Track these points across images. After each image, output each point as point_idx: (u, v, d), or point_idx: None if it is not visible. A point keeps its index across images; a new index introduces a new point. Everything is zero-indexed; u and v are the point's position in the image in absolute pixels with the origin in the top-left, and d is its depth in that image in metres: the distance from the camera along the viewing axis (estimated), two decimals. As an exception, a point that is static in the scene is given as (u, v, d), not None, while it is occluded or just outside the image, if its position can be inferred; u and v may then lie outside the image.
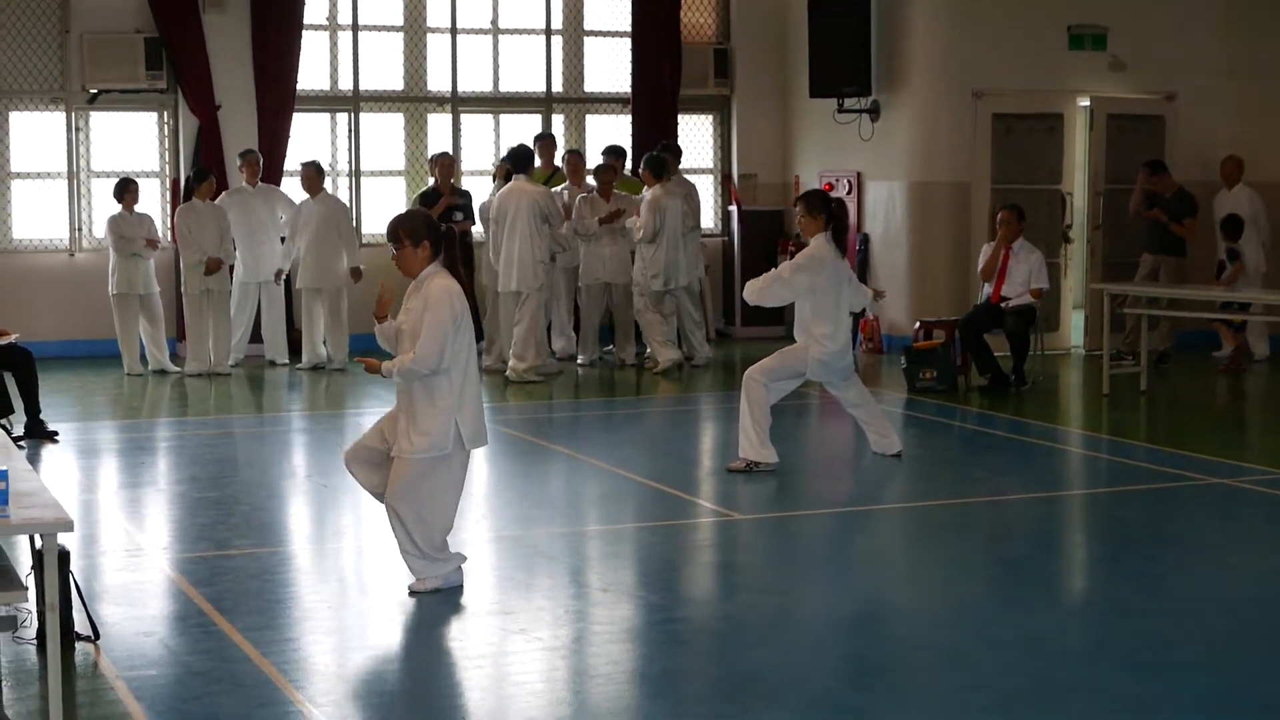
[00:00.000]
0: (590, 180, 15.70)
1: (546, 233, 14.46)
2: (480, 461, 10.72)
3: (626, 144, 17.20)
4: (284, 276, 15.46)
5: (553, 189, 15.68)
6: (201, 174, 14.99)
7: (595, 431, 12.49)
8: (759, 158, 18.00)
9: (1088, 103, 16.54)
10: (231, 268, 15.12)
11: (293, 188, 15.88)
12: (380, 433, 7.62)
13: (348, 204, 16.73)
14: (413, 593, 7.45)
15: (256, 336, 15.78)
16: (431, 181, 16.08)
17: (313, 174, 15.26)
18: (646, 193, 15.04)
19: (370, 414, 12.44)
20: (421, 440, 7.39)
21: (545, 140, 16.42)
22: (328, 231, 15.18)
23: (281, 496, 10.03)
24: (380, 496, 7.61)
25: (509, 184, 14.63)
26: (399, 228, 7.52)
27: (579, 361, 15.66)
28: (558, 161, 16.42)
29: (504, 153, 15.57)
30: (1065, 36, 16.39)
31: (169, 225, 15.85)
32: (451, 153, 16.56)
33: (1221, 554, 8.48)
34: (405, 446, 7.43)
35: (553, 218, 14.47)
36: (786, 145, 18.04)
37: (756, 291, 10.41)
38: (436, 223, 7.67)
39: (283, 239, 15.58)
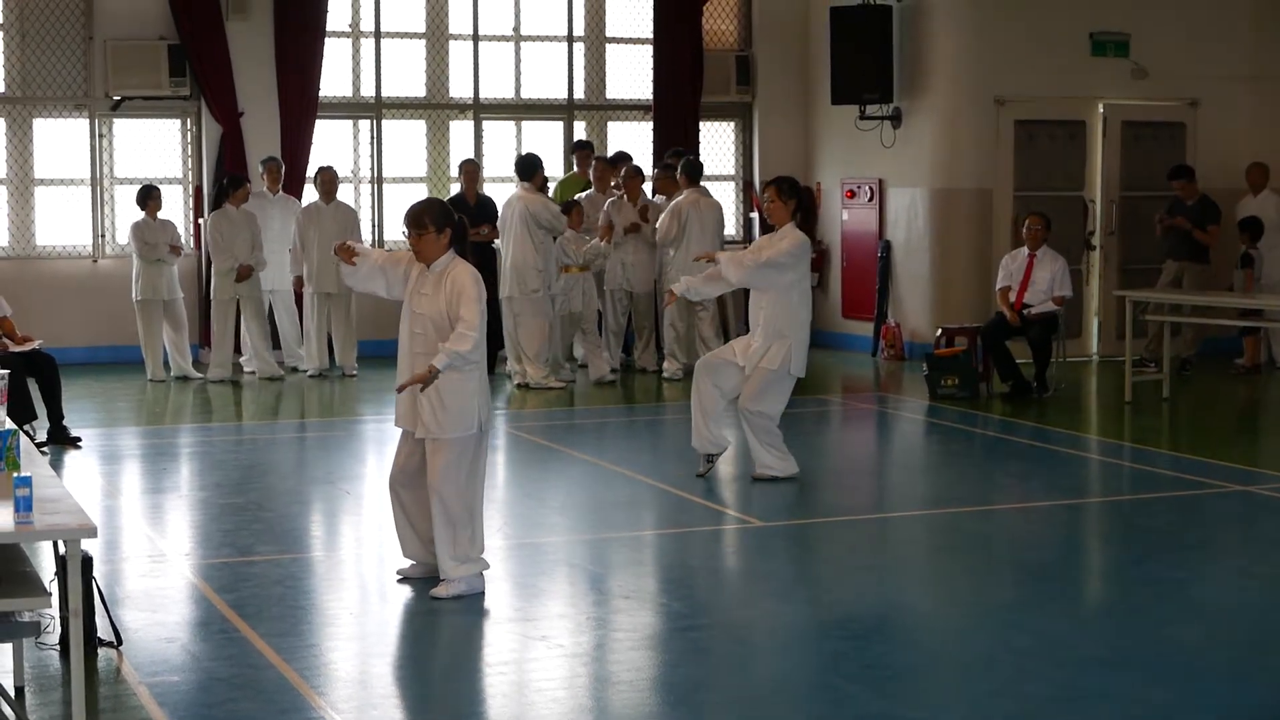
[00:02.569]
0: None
1: (543, 238, 14.32)
2: (500, 467, 10.75)
3: (648, 150, 17.23)
4: (302, 284, 15.35)
5: (578, 195, 15.71)
6: (236, 181, 14.98)
7: (616, 437, 12.49)
8: (781, 165, 17.89)
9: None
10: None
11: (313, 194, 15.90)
12: (408, 439, 7.69)
13: (370, 211, 16.79)
14: (435, 599, 7.47)
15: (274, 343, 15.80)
16: (455, 189, 16.08)
17: (332, 178, 15.27)
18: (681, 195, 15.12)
19: (391, 418, 12.45)
20: (453, 421, 7.45)
21: (584, 149, 16.41)
22: (340, 238, 15.12)
23: (304, 502, 10.03)
24: (416, 559, 7.82)
25: (512, 193, 14.62)
26: (424, 213, 7.54)
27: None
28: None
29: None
30: (1088, 43, 16.35)
31: (192, 232, 15.88)
32: (475, 159, 16.51)
33: (1244, 561, 8.46)
34: (435, 429, 7.47)
35: (546, 222, 14.24)
36: (808, 152, 18.02)
37: (746, 273, 10.04)
38: (455, 213, 7.71)
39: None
